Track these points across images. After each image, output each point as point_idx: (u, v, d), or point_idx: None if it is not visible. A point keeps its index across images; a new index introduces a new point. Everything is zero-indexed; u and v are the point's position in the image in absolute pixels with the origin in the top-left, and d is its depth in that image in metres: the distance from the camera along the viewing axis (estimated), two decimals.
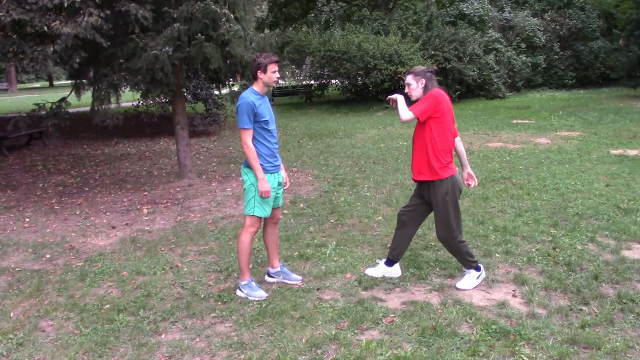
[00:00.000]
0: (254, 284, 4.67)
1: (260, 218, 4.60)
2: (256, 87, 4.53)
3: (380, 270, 4.94)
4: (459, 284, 4.69)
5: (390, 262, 4.93)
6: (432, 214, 4.79)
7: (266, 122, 4.49)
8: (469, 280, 4.71)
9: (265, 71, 4.46)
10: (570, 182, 8.08)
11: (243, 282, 4.65)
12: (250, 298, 4.57)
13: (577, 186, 7.82)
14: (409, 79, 4.55)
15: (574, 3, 26.94)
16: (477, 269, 4.75)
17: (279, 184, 4.72)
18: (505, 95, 22.82)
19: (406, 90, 4.61)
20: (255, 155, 4.45)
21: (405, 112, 4.39)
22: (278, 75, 4.56)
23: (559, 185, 7.92)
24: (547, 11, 27.06)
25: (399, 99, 4.50)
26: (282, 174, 4.80)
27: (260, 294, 4.60)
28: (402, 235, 4.87)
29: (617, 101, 19.62)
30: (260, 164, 4.47)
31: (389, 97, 4.62)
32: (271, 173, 4.58)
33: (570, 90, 25.01)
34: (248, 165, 4.52)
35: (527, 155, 10.36)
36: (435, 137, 4.47)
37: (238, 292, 4.67)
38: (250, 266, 4.85)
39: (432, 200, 4.63)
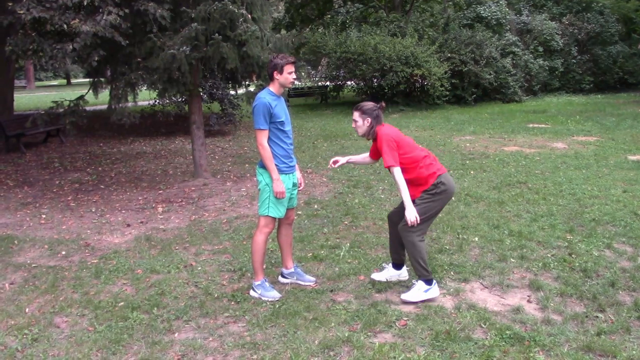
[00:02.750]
0: (267, 284, 4.67)
1: (274, 218, 4.60)
2: (272, 87, 4.54)
3: (387, 274, 4.89)
4: (404, 295, 4.50)
5: (397, 266, 4.89)
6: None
7: (282, 122, 4.49)
8: (416, 292, 4.48)
9: (281, 72, 4.47)
10: (587, 187, 8.00)
11: (257, 283, 4.66)
12: (263, 298, 4.58)
13: (593, 192, 7.75)
14: (356, 115, 4.56)
15: (593, 7, 26.69)
16: (428, 282, 4.48)
17: (294, 184, 4.72)
18: (522, 99, 22.66)
19: (352, 125, 4.65)
20: (271, 156, 4.46)
21: (401, 181, 4.32)
22: (294, 77, 4.56)
23: (575, 190, 7.85)
24: (565, 15, 26.84)
25: (409, 206, 4.34)
26: (297, 174, 4.80)
27: (274, 294, 4.61)
28: (396, 234, 4.71)
29: (635, 106, 19.42)
30: (276, 165, 4.48)
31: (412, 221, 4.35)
32: (286, 174, 4.59)
33: (587, 94, 24.79)
34: (263, 166, 4.52)
35: (544, 159, 10.28)
36: (408, 162, 4.42)
37: (251, 292, 4.67)
38: (264, 267, 4.85)
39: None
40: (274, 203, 4.53)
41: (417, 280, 4.55)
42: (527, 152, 11.09)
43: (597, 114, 17.42)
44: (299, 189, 4.88)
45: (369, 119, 4.50)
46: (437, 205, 4.48)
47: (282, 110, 4.52)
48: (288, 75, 4.50)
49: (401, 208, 4.63)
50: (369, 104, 4.57)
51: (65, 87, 46.57)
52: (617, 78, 26.37)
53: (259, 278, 4.66)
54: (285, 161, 4.58)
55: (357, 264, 5.29)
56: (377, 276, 4.91)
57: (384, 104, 4.70)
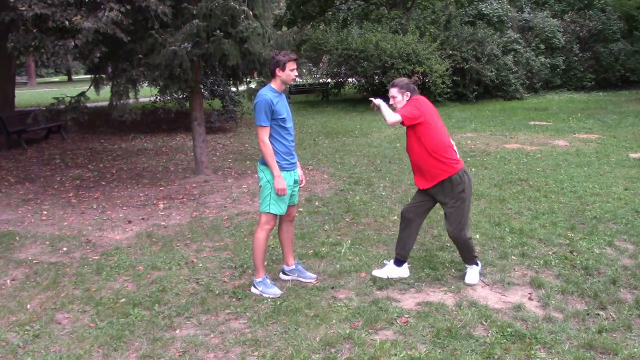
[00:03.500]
0: (268, 281, 4.68)
1: (275, 215, 4.60)
2: (274, 84, 4.54)
3: (388, 271, 4.91)
4: (468, 280, 4.75)
5: (399, 262, 4.91)
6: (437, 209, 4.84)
7: (283, 119, 4.49)
8: (474, 274, 4.78)
9: (283, 69, 4.47)
10: (589, 185, 7.99)
11: (258, 280, 4.66)
12: (264, 295, 4.58)
13: (595, 189, 7.74)
14: (394, 91, 4.62)
15: (595, 4, 26.64)
16: (477, 264, 4.84)
17: (295, 181, 4.72)
18: (523, 97, 22.64)
19: (391, 102, 4.67)
20: (272, 153, 4.46)
21: (391, 115, 4.45)
22: (296, 74, 4.56)
23: (576, 188, 7.84)
24: (567, 12, 26.79)
25: (382, 103, 4.53)
26: (298, 171, 4.80)
27: (275, 291, 4.61)
28: (409, 234, 4.85)
29: (637, 104, 19.40)
30: (277, 162, 4.48)
31: (373, 99, 4.63)
32: (287, 170, 4.59)
33: (589, 92, 24.76)
34: (264, 163, 4.52)
35: (545, 157, 10.27)
36: (431, 140, 4.51)
37: (253, 289, 4.68)
38: (265, 263, 4.85)
39: (446, 199, 4.62)
40: (275, 200, 4.53)
41: (470, 266, 4.82)
42: (529, 150, 11.09)
43: (598, 111, 17.41)
44: (300, 185, 4.88)
45: (408, 93, 4.60)
46: (469, 196, 4.67)
47: (283, 107, 4.52)
48: (290, 72, 4.49)
49: (419, 206, 4.78)
50: (403, 79, 4.70)
51: (66, 84, 46.54)
52: (618, 76, 26.30)
53: (260, 275, 4.66)
54: (287, 158, 4.58)
55: (358, 261, 5.29)
56: (378, 273, 4.92)
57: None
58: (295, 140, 4.80)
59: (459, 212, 4.60)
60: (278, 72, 4.48)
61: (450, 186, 4.56)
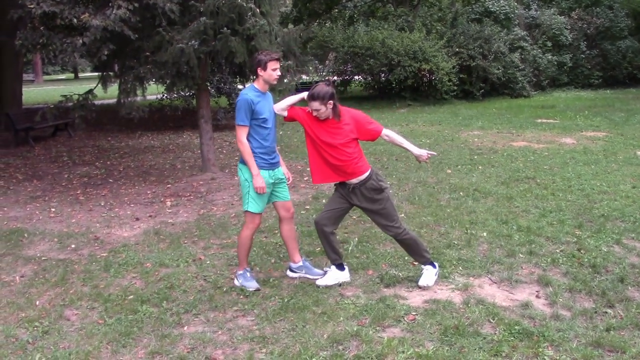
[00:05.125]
0: (248, 274, 4.78)
1: (258, 214, 4.65)
2: (257, 84, 4.58)
3: (335, 277, 4.78)
4: (421, 282, 4.66)
5: (340, 266, 4.80)
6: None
7: (264, 120, 4.52)
8: (430, 276, 4.69)
9: (265, 68, 4.48)
10: (596, 183, 7.97)
11: (239, 272, 4.78)
12: (246, 288, 4.66)
13: (602, 187, 7.72)
14: (316, 105, 4.35)
15: (602, 1, 26.47)
16: (433, 265, 4.75)
17: (279, 179, 4.74)
18: (530, 94, 22.55)
19: (314, 114, 4.43)
20: (250, 151, 4.50)
21: (396, 134, 4.85)
22: (279, 73, 4.58)
23: (584, 186, 7.82)
24: (574, 9, 26.65)
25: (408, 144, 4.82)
26: (283, 169, 4.83)
27: (252, 284, 4.70)
28: (334, 240, 4.75)
29: None
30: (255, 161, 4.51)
31: (425, 159, 4.80)
32: (266, 169, 4.60)
33: (596, 90, 24.63)
34: (244, 162, 4.56)
35: (552, 155, 10.24)
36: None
37: (235, 281, 4.79)
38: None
39: (367, 202, 4.64)
40: (253, 198, 4.57)
41: (424, 266, 4.74)
42: (536, 148, 11.05)
43: (606, 109, 17.33)
44: (288, 183, 4.88)
45: (331, 101, 4.37)
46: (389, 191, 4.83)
47: (265, 107, 4.53)
48: (272, 72, 4.50)
49: (337, 214, 4.78)
50: (322, 88, 4.38)
51: (73, 81, 46.69)
52: (626, 73, 26.14)
53: (242, 268, 4.77)
54: (265, 158, 4.60)
55: (366, 259, 5.30)
56: (323, 282, 4.76)
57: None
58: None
59: (388, 211, 4.68)
60: (260, 71, 4.50)
61: (367, 187, 4.74)
